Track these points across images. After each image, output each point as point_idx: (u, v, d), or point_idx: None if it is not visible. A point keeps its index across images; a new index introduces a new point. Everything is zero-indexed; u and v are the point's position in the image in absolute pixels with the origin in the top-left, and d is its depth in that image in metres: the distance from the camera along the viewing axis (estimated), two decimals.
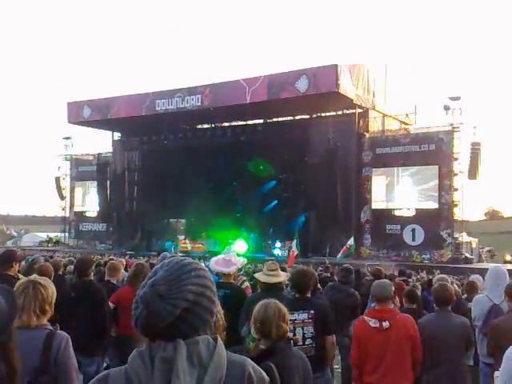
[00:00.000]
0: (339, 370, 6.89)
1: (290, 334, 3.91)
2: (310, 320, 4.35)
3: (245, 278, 6.81)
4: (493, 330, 4.25)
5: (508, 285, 4.64)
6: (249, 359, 1.50)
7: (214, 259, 6.06)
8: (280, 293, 5.01)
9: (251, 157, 29.66)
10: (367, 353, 4.19)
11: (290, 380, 2.79)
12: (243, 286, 6.27)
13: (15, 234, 42.58)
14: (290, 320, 4.14)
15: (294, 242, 18.15)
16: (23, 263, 8.01)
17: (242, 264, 6.22)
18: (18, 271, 5.38)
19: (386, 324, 4.15)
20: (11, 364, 1.80)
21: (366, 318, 4.29)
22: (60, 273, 6.85)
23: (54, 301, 2.89)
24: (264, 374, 1.49)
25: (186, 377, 1.32)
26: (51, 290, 2.87)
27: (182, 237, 32.10)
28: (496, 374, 3.48)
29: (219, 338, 1.45)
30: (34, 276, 3.00)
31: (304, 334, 4.32)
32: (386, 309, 4.30)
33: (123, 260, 11.18)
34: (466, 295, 6.58)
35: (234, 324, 4.70)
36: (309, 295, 4.64)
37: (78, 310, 5.14)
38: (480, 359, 4.94)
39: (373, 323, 4.18)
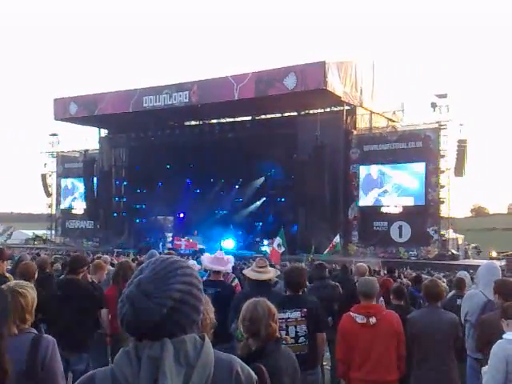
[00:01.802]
0: (327, 368, 6.87)
1: (283, 333, 3.89)
2: (303, 318, 4.32)
3: (234, 276, 6.80)
4: (482, 326, 4.26)
5: (495, 282, 4.66)
6: (236, 358, 1.48)
7: (206, 257, 6.03)
8: (270, 290, 4.99)
9: (239, 154, 29.60)
10: (354, 348, 4.21)
11: (280, 381, 2.76)
12: (233, 284, 6.26)
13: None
14: (283, 319, 4.13)
15: (277, 240, 17.95)
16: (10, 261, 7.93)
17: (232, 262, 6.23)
18: (6, 270, 5.32)
19: (372, 320, 4.16)
20: (2, 365, 1.77)
21: (352, 314, 4.28)
22: (47, 271, 6.76)
23: (34, 307, 2.82)
24: (252, 372, 1.48)
25: (173, 376, 1.30)
26: (31, 298, 2.79)
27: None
28: (484, 369, 3.50)
29: (207, 337, 1.43)
30: (15, 283, 2.91)
31: (297, 332, 4.29)
32: (373, 305, 4.31)
33: (107, 257, 11.04)
34: (454, 291, 6.59)
35: (225, 322, 4.68)
36: (300, 293, 4.63)
37: (65, 308, 5.09)
38: (468, 354, 4.96)
39: (360, 319, 4.19)
